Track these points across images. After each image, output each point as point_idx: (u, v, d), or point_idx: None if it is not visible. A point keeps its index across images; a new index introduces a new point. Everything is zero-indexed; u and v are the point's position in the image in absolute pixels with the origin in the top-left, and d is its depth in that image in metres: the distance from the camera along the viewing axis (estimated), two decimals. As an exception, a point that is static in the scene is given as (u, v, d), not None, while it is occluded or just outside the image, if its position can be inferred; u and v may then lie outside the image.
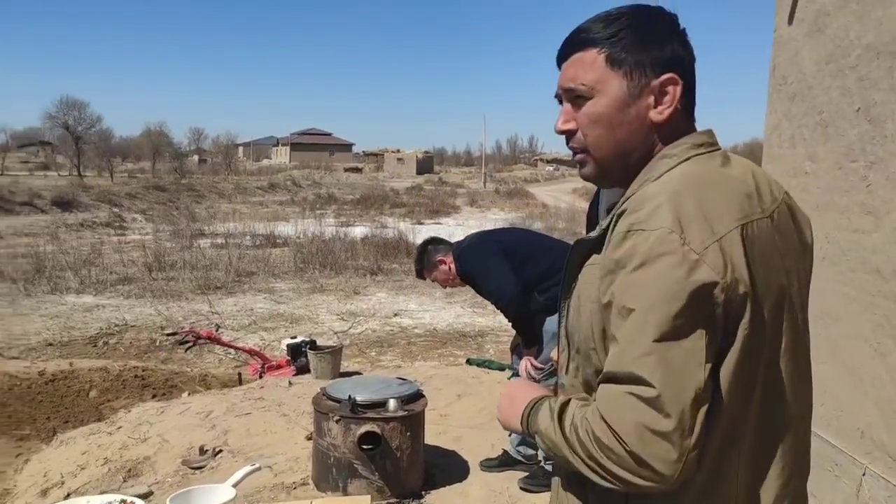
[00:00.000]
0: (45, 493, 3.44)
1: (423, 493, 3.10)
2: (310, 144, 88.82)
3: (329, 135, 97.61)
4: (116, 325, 9.58)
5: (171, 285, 12.16)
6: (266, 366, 6.68)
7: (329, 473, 2.78)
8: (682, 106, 1.12)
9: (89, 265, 13.32)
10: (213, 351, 8.04)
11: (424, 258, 3.89)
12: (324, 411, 2.77)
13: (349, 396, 2.76)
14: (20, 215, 24.57)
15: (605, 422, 1.00)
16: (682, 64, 1.13)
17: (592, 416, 1.02)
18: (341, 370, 5.89)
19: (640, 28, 1.12)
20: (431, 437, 3.54)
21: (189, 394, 5.24)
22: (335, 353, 5.83)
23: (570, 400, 1.11)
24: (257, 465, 2.17)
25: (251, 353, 6.98)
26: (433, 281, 3.95)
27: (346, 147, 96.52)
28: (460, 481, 3.30)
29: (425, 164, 75.33)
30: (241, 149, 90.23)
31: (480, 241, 3.78)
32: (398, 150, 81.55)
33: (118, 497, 1.69)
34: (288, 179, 47.03)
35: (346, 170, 67.39)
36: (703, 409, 0.97)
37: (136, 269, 13.44)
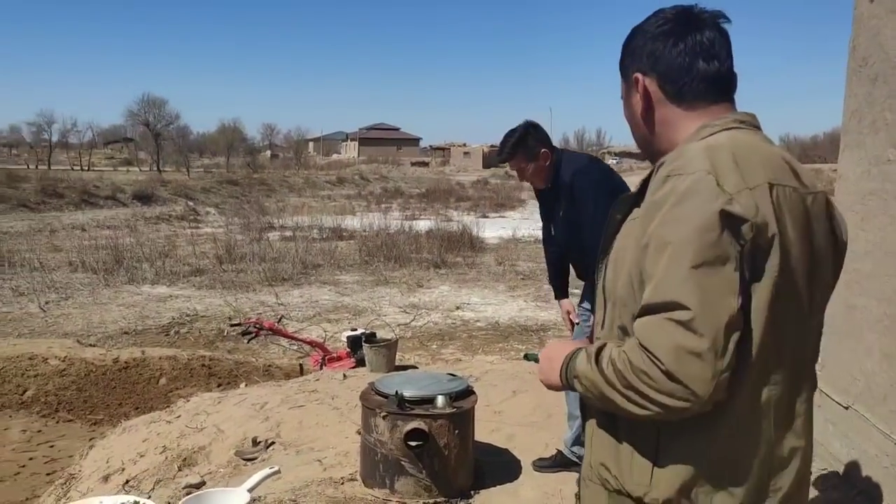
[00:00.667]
0: (106, 478, 3.54)
1: (472, 492, 3.03)
2: (378, 139, 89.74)
3: (397, 129, 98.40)
4: (187, 315, 9.87)
5: (241, 277, 12.46)
6: (327, 357, 6.74)
7: (376, 470, 2.74)
8: (671, 94, 1.27)
9: (164, 257, 13.79)
10: (278, 342, 8.16)
11: (527, 140, 3.34)
12: (371, 407, 2.74)
13: (396, 392, 2.71)
14: (104, 209, 25.69)
15: (643, 347, 1.09)
16: (656, 60, 1.27)
17: (630, 347, 1.12)
18: (397, 363, 5.88)
19: (628, 40, 1.33)
20: (483, 434, 3.46)
21: (246, 384, 5.33)
22: (390, 346, 5.82)
23: (605, 343, 1.21)
24: (276, 469, 2.15)
25: (312, 344, 7.06)
26: (518, 170, 3.44)
27: (414, 141, 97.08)
28: (511, 481, 3.20)
29: (492, 158, 74.89)
30: (311, 144, 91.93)
31: (606, 174, 3.37)
32: (464, 145, 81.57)
33: (131, 499, 1.69)
34: (356, 174, 47.66)
35: (413, 164, 67.85)
36: (736, 335, 1.07)
37: (208, 261, 13.84)
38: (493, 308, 10.40)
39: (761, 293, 1.09)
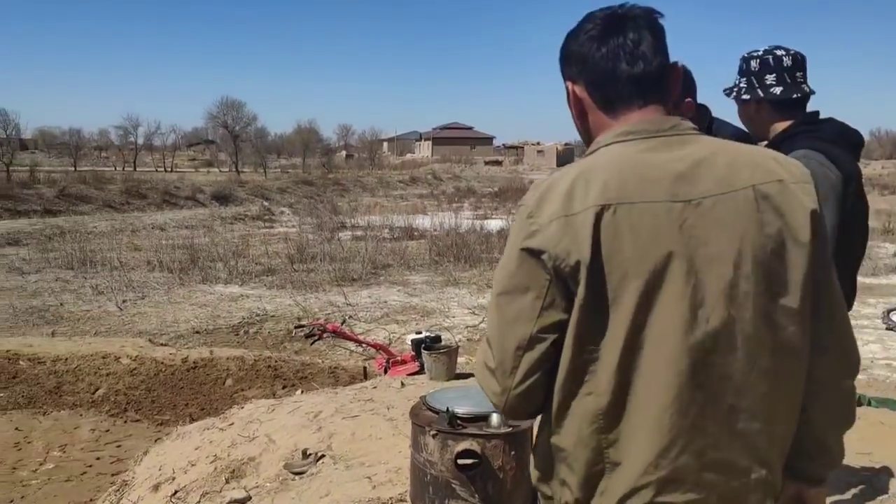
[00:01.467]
0: (156, 487, 3.48)
1: (533, 516, 2.79)
2: (451, 138, 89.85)
3: (470, 129, 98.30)
4: (257, 315, 9.95)
5: (311, 277, 12.53)
6: (391, 361, 6.60)
7: (426, 492, 2.54)
8: (598, 100, 1.26)
9: (237, 256, 14.03)
10: (344, 344, 8.10)
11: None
12: (421, 424, 2.54)
13: (447, 409, 2.50)
14: (183, 209, 26.54)
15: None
16: (583, 66, 1.27)
17: None
18: (460, 370, 5.67)
19: (562, 46, 1.32)
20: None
21: (303, 391, 5.23)
22: (450, 353, 5.61)
23: None
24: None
25: (376, 347, 6.94)
26: None
27: (487, 140, 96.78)
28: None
29: (566, 157, 73.95)
30: (385, 144, 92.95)
31: None
32: (538, 143, 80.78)
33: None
34: (428, 173, 47.82)
35: (487, 163, 67.61)
36: (530, 356, 1.16)
37: (280, 261, 13.99)
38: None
39: (572, 319, 1.13)
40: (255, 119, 56.85)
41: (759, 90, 2.20)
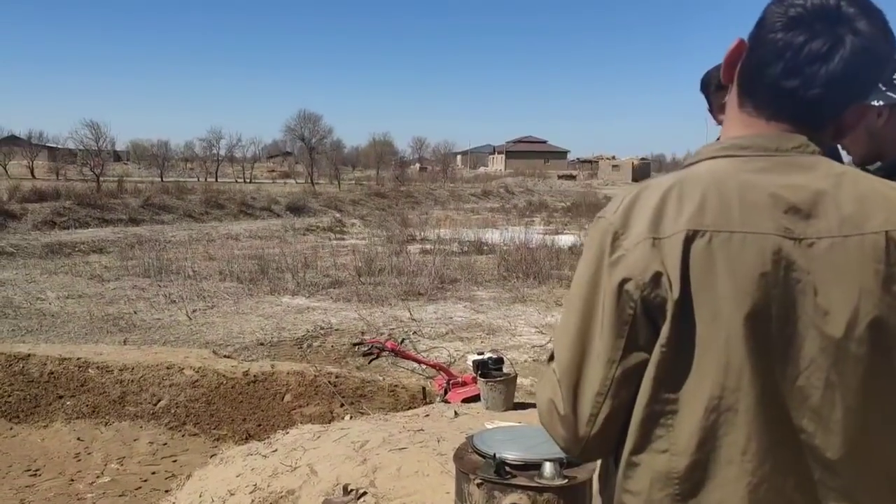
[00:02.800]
0: (194, 516, 3.34)
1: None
2: (525, 152, 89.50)
3: (544, 142, 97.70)
4: (322, 329, 9.89)
5: (378, 290, 12.44)
6: (451, 382, 6.37)
7: (469, 546, 2.29)
8: (740, 82, 1.05)
9: (306, 268, 14.10)
10: (406, 362, 7.92)
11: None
12: (465, 470, 2.28)
13: (495, 455, 2.24)
14: (259, 220, 27.12)
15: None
16: (755, 35, 1.03)
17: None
18: (518, 399, 5.37)
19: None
20: None
21: (351, 416, 5.06)
22: (508, 382, 5.32)
23: None
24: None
25: (436, 367, 6.73)
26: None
27: (561, 154, 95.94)
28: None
29: (642, 171, 72.45)
30: (458, 157, 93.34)
31: None
32: (613, 157, 79.43)
33: None
34: (501, 186, 47.54)
35: (560, 177, 66.84)
36: (611, 402, 0.98)
37: (347, 274, 13.99)
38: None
39: (652, 358, 0.96)
40: (330, 132, 58.23)
41: (888, 93, 1.74)
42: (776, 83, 0.99)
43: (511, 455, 2.29)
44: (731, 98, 1.07)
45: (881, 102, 1.74)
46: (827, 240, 0.94)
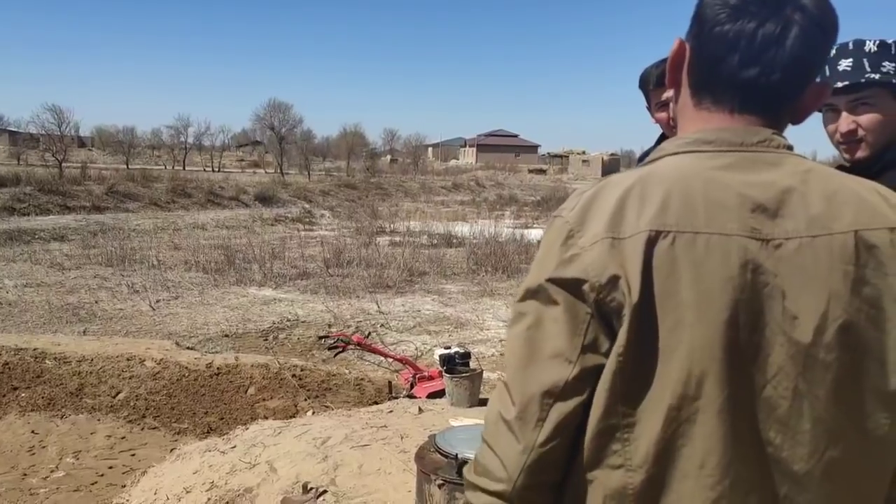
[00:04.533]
0: (148, 514, 3.25)
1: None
2: (496, 146, 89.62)
3: (516, 136, 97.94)
4: (288, 321, 9.79)
5: (345, 282, 12.35)
6: (417, 376, 6.33)
7: (430, 548, 2.25)
8: (692, 81, 1.00)
9: (273, 259, 13.93)
10: (372, 355, 7.87)
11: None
12: (426, 470, 2.24)
13: (457, 455, 2.19)
14: (227, 209, 26.76)
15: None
16: (699, 30, 0.98)
17: None
18: (482, 396, 5.34)
19: None
20: None
21: (314, 412, 4.98)
22: (474, 378, 5.28)
23: None
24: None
25: (402, 361, 6.68)
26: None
27: (532, 148, 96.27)
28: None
29: (611, 167, 73.06)
30: (430, 149, 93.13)
31: None
32: (583, 152, 79.99)
33: None
34: (472, 180, 47.56)
35: (531, 171, 67.10)
36: (562, 407, 0.90)
37: (315, 265, 13.86)
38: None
39: (607, 367, 0.89)
40: (301, 121, 57.60)
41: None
42: (734, 75, 0.94)
43: (472, 454, 2.25)
44: (684, 99, 1.02)
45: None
46: (795, 240, 0.89)
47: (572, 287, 0.90)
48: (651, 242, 0.88)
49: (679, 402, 0.87)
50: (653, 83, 2.44)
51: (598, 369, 0.90)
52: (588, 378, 0.90)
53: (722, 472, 0.87)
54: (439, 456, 2.33)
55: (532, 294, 0.94)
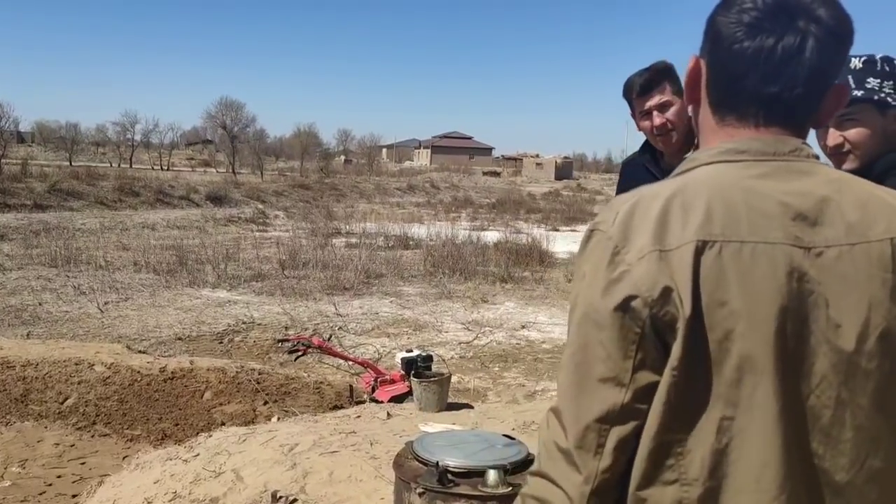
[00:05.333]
0: (106, 526, 3.11)
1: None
2: (451, 147, 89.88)
3: (470, 138, 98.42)
4: (244, 323, 9.59)
5: (302, 284, 12.17)
6: (379, 380, 6.25)
7: (410, 558, 2.19)
8: (712, 97, 1.00)
9: (227, 260, 13.65)
10: (332, 358, 7.76)
11: (675, 71, 2.41)
12: (406, 478, 2.18)
13: (437, 463, 2.14)
14: (177, 209, 26.14)
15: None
16: (714, 47, 0.98)
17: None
18: (449, 400, 5.30)
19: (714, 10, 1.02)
20: None
21: (279, 418, 4.87)
22: (442, 382, 5.23)
23: None
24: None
25: (363, 365, 6.59)
26: (659, 107, 2.43)
27: (486, 151, 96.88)
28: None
29: (564, 170, 74.06)
30: (384, 150, 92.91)
31: None
32: (537, 155, 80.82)
33: None
34: (426, 181, 47.53)
35: (485, 173, 67.41)
36: (620, 431, 0.89)
37: (271, 266, 13.63)
38: (560, 329, 9.76)
39: (661, 383, 0.87)
40: (254, 120, 56.78)
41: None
42: (757, 92, 0.95)
43: (454, 462, 2.20)
44: (705, 115, 1.02)
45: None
46: (835, 248, 0.90)
47: (623, 306, 0.88)
48: (698, 253, 0.87)
49: (732, 411, 0.86)
50: (636, 92, 2.46)
51: (652, 387, 0.88)
52: (643, 398, 0.89)
53: (779, 487, 0.86)
54: (417, 463, 2.28)
55: (580, 317, 0.92)
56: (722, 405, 0.86)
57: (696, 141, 1.24)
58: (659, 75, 2.44)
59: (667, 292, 0.86)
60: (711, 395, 0.87)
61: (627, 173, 2.71)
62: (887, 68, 1.79)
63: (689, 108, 1.07)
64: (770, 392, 0.86)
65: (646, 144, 2.58)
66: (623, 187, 2.66)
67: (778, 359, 0.86)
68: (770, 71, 0.93)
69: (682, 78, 1.06)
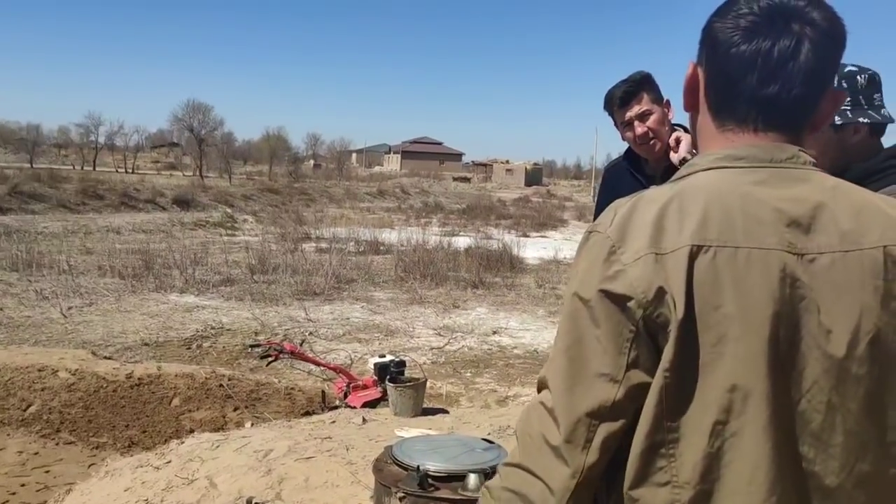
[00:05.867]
0: (74, 536, 3.04)
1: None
2: (421, 153, 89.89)
3: (440, 144, 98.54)
4: (212, 328, 9.47)
5: (271, 289, 12.05)
6: (351, 385, 6.21)
7: (391, 564, 2.17)
8: (711, 103, 1.02)
9: (195, 264, 13.47)
10: (303, 363, 7.68)
11: (654, 81, 2.51)
12: (386, 483, 2.16)
13: (418, 467, 2.13)
14: (142, 212, 25.72)
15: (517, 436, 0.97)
16: (712, 53, 1.00)
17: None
18: (424, 405, 5.29)
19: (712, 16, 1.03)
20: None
21: (252, 424, 4.81)
22: (418, 388, 5.22)
23: None
24: None
25: (336, 370, 6.55)
26: (639, 116, 2.48)
27: (457, 156, 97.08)
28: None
29: (534, 176, 74.52)
30: (354, 155, 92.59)
31: None
32: (507, 161, 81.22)
33: None
34: (397, 186, 47.44)
35: (455, 179, 67.53)
36: (608, 428, 0.90)
37: (240, 271, 13.48)
38: (531, 334, 9.82)
39: (654, 384, 0.88)
40: (221, 123, 56.12)
41: (869, 111, 1.79)
42: (755, 94, 0.97)
43: (434, 466, 2.19)
44: (704, 121, 1.04)
45: (865, 120, 1.79)
46: (828, 255, 0.91)
47: (618, 304, 0.90)
48: (693, 257, 0.88)
49: (724, 416, 0.87)
50: (616, 104, 2.51)
51: (644, 387, 0.89)
52: (634, 396, 0.90)
53: (769, 488, 0.86)
54: (397, 468, 2.26)
55: (575, 312, 0.93)
56: (714, 409, 0.87)
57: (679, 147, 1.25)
58: (637, 86, 2.50)
59: (661, 294, 0.88)
60: (703, 398, 0.88)
61: (610, 178, 2.76)
62: (844, 84, 1.80)
63: (688, 115, 1.09)
64: (762, 396, 0.87)
65: (629, 150, 2.63)
66: (606, 191, 2.71)
67: (770, 363, 0.87)
68: (767, 73, 0.95)
69: (682, 84, 1.07)
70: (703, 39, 1.02)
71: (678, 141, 2.38)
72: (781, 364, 0.88)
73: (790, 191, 0.94)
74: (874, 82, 1.83)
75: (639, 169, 2.59)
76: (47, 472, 5.08)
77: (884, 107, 1.83)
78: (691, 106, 1.06)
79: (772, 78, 0.95)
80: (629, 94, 2.49)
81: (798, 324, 0.89)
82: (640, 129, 2.48)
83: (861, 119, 1.79)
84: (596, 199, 2.89)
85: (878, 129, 1.83)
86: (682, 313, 0.87)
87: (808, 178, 0.96)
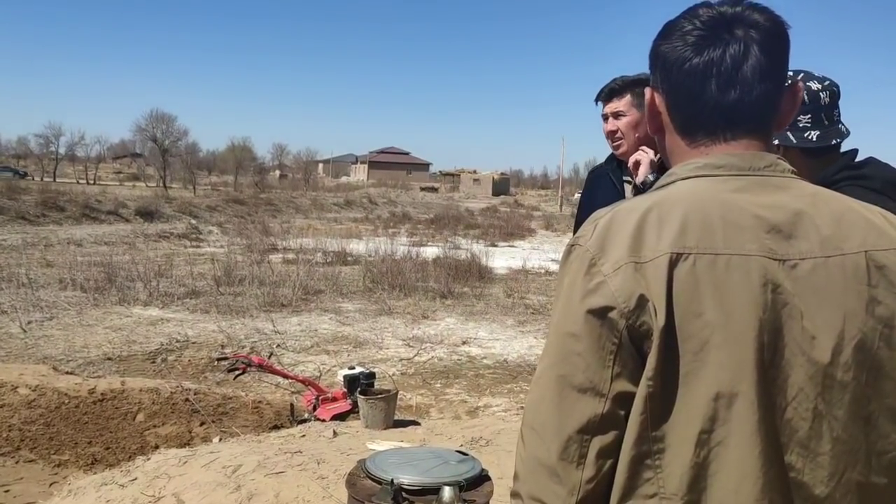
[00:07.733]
0: (36, 559, 2.95)
1: None
2: (388, 163, 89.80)
3: (407, 154, 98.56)
4: (178, 342, 9.32)
5: (238, 301, 11.91)
6: (320, 398, 6.15)
7: (365, 578, 2.15)
8: (676, 123, 1.03)
9: (159, 276, 13.25)
10: (271, 376, 7.59)
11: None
12: (359, 498, 2.15)
13: (392, 481, 2.12)
14: (104, 224, 25.25)
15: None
16: (666, 75, 1.02)
17: None
18: (396, 417, 5.26)
19: (656, 38, 1.05)
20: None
21: (220, 439, 4.73)
22: (389, 399, 5.19)
23: None
24: None
25: (305, 382, 6.48)
26: (614, 114, 2.53)
27: (424, 167, 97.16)
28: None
29: (501, 186, 74.93)
30: (320, 165, 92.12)
31: None
32: (475, 171, 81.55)
33: None
34: (364, 197, 47.30)
35: (423, 189, 67.59)
36: (601, 440, 0.89)
37: (205, 283, 13.29)
38: (501, 344, 9.83)
39: (638, 394, 0.88)
40: (186, 134, 55.52)
41: (790, 136, 1.76)
42: (718, 102, 0.98)
43: (408, 479, 2.18)
44: (673, 141, 1.04)
45: (789, 143, 1.77)
46: (809, 261, 0.91)
47: (600, 316, 0.89)
48: (672, 264, 0.88)
49: (710, 425, 0.86)
50: (601, 96, 2.57)
51: (631, 397, 0.89)
52: (623, 407, 0.89)
53: (757, 498, 0.86)
54: (370, 482, 2.24)
55: (558, 328, 0.93)
56: (699, 418, 0.87)
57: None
58: (625, 86, 2.55)
59: (642, 303, 0.88)
60: (688, 407, 0.87)
61: (592, 182, 2.81)
62: (806, 100, 1.76)
63: (656, 140, 1.09)
64: (747, 404, 0.86)
65: (612, 155, 2.68)
66: (587, 195, 2.77)
67: (755, 370, 0.87)
68: (725, 79, 0.96)
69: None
70: (652, 64, 1.04)
71: (637, 164, 2.41)
72: (766, 371, 0.88)
73: (770, 198, 0.94)
74: (835, 96, 1.81)
75: (620, 173, 2.63)
76: (7, 491, 4.93)
77: (840, 121, 1.82)
78: (656, 129, 1.07)
79: (730, 83, 0.96)
80: (614, 91, 2.56)
81: (781, 330, 0.89)
82: (610, 125, 2.55)
83: (774, 141, 1.77)
84: (580, 201, 2.94)
85: (818, 151, 1.80)
86: (664, 321, 0.86)
87: (788, 185, 0.97)
